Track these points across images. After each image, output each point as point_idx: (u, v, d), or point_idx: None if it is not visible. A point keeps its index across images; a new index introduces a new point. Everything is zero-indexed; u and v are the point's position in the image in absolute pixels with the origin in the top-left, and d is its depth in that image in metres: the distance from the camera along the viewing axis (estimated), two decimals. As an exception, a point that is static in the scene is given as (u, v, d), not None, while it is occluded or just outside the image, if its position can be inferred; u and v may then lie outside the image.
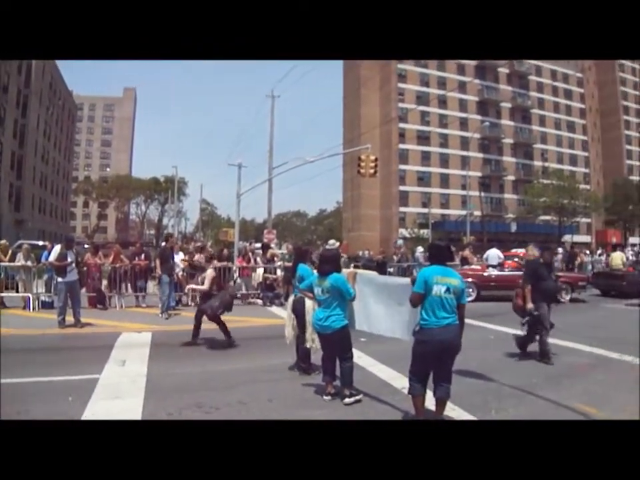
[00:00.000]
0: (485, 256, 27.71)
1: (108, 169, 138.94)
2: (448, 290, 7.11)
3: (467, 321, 8.77)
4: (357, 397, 8.45)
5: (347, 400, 8.36)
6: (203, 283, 13.00)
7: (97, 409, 7.68)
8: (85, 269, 18.68)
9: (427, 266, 7.47)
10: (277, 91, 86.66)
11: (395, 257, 30.03)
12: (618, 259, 29.69)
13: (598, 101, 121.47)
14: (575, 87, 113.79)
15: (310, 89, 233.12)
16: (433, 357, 7.17)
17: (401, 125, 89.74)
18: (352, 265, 27.85)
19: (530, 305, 11.69)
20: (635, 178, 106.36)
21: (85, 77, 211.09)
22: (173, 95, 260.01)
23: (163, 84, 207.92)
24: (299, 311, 10.00)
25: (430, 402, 7.43)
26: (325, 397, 8.60)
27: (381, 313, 8.82)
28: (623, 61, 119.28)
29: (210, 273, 13.01)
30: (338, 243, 25.09)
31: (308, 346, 9.65)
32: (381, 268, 27.75)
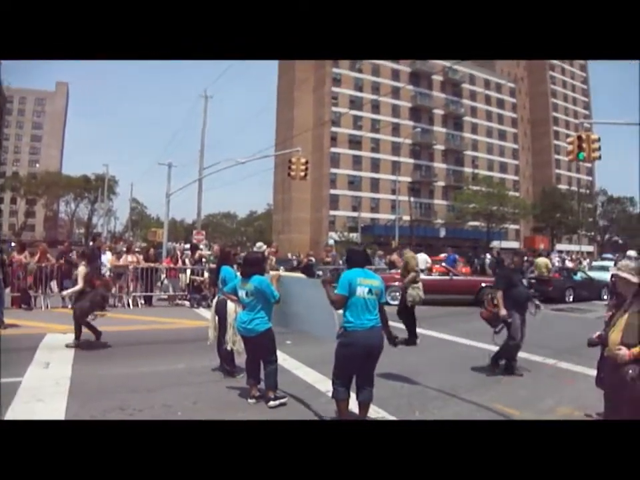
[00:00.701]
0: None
1: (37, 165, 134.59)
2: (370, 291, 7.16)
3: (394, 324, 8.71)
4: (282, 400, 8.45)
5: (271, 403, 8.34)
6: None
7: (19, 412, 7.49)
8: (10, 267, 18.11)
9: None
10: (211, 91, 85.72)
11: (325, 259, 30.09)
12: (542, 265, 30.02)
13: (529, 111, 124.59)
14: (507, 96, 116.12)
15: (244, 89, 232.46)
16: (357, 360, 7.15)
17: (334, 129, 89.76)
18: (281, 267, 27.80)
19: (503, 312, 11.00)
20: (563, 186, 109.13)
21: (15, 69, 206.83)
22: (105, 91, 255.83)
23: (96, 80, 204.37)
24: (221, 313, 9.98)
25: (354, 405, 7.43)
26: (249, 400, 8.56)
27: (304, 314, 8.85)
28: (555, 74, 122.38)
29: (82, 270, 12.58)
30: (265, 246, 24.92)
31: (228, 348, 9.58)
32: (307, 270, 27.77)
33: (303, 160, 29.46)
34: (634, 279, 5.94)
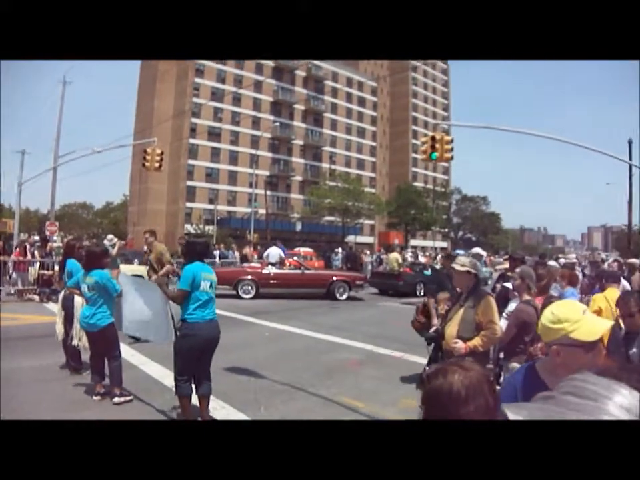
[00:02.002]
0: (265, 254, 27.93)
1: None
2: (211, 285, 7.34)
3: (243, 318, 8.21)
4: (127, 398, 8.33)
5: (116, 400, 8.21)
6: None
7: None
8: None
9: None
10: (70, 77, 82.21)
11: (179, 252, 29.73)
12: (393, 260, 30.76)
13: (389, 110, 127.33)
14: (369, 95, 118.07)
15: (105, 77, 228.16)
16: (198, 352, 7.23)
17: (193, 120, 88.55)
18: (135, 261, 26.96)
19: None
20: (419, 184, 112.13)
21: None
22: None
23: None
24: (67, 308, 9.73)
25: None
26: (94, 397, 8.38)
27: (134, 313, 8.60)
28: (416, 75, 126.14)
29: None
30: (116, 239, 24.09)
31: (74, 344, 9.27)
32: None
33: (158, 151, 28.86)
34: (470, 271, 6.24)
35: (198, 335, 7.13)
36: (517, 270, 7.75)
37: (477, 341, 5.93)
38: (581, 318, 2.88)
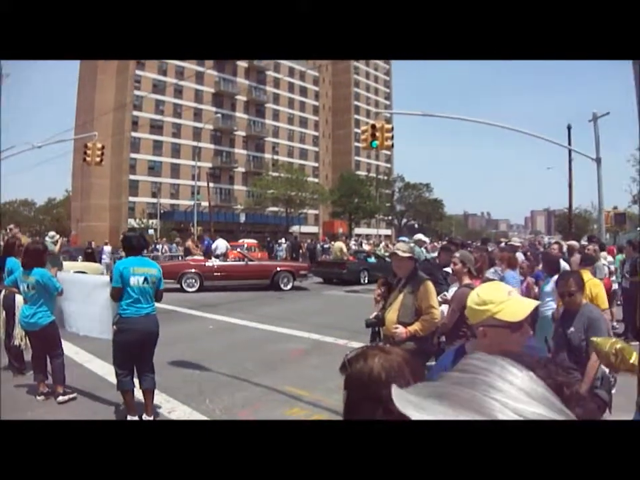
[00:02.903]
0: (213, 246, 27.74)
1: None
2: (146, 280, 7.28)
3: (188, 311, 8.31)
4: (71, 395, 8.27)
5: (60, 398, 8.12)
6: None
7: None
8: None
9: None
10: (8, 68, 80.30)
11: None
12: (337, 249, 30.97)
13: (332, 99, 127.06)
14: (311, 84, 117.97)
15: (44, 68, 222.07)
16: (135, 346, 7.20)
17: (135, 113, 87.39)
18: (79, 257, 26.76)
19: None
20: (362, 173, 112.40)
21: None
22: None
23: None
24: (9, 308, 9.55)
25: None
26: (38, 397, 8.27)
27: (80, 311, 8.59)
28: (358, 64, 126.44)
29: None
30: (58, 236, 23.77)
31: (16, 344, 9.18)
32: (89, 258, 27.14)
33: (99, 145, 28.49)
34: (407, 257, 6.29)
35: (133, 330, 7.15)
36: (456, 254, 7.73)
37: (417, 326, 6.00)
38: (506, 299, 2.94)
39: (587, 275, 8.28)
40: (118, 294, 7.22)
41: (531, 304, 3.03)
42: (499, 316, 2.87)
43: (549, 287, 8.76)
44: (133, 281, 7.18)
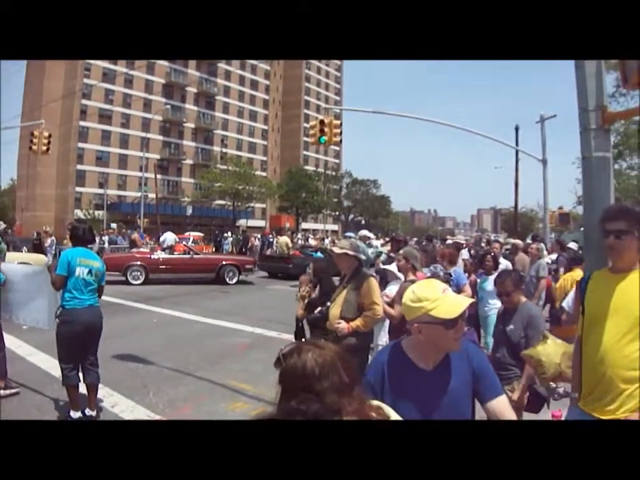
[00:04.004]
0: (161, 239, 27.86)
1: None
2: (90, 272, 7.18)
3: (132, 304, 8.42)
4: (13, 390, 8.06)
5: (1, 392, 7.87)
6: None
7: None
8: None
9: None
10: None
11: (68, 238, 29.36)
12: (283, 243, 31.52)
13: (282, 93, 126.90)
14: (262, 78, 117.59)
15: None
16: (79, 338, 7.08)
17: (84, 101, 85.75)
18: (24, 248, 26.44)
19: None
20: (310, 168, 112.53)
21: None
22: None
23: None
24: None
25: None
26: None
27: (26, 303, 8.33)
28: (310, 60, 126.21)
29: None
30: (4, 225, 23.43)
31: None
32: (37, 248, 26.73)
33: (46, 133, 27.85)
34: (351, 254, 6.35)
35: (76, 322, 7.00)
36: (400, 251, 7.84)
37: (359, 322, 6.07)
38: (440, 297, 2.96)
39: (578, 273, 8.61)
40: (61, 282, 7.07)
41: (465, 301, 3.06)
42: (433, 313, 2.91)
43: (489, 285, 8.92)
44: (79, 271, 7.05)
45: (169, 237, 26.80)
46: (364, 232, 18.78)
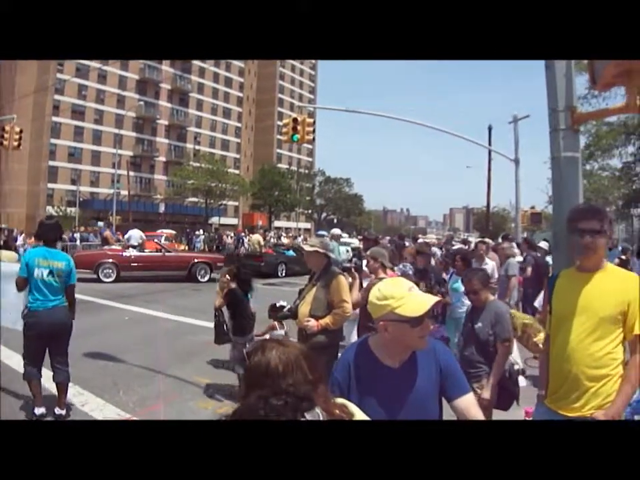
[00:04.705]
0: (126, 236, 27.63)
1: None
2: (51, 273, 7.07)
3: (104, 302, 8.47)
4: None
5: None
6: None
7: None
8: None
9: None
10: None
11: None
12: (255, 241, 31.88)
13: (256, 91, 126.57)
14: (236, 75, 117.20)
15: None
16: (43, 339, 7.07)
17: (57, 97, 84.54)
18: None
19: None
20: (283, 166, 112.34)
21: None
22: None
23: None
24: None
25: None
26: None
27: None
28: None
29: None
30: None
31: None
32: (6, 245, 26.65)
33: (17, 129, 27.49)
34: (321, 252, 6.40)
35: (39, 323, 6.99)
36: (368, 251, 7.92)
37: (328, 319, 6.07)
38: (406, 295, 2.94)
39: None
40: (21, 283, 7.10)
41: (431, 300, 3.03)
42: (398, 311, 2.90)
43: (459, 284, 8.77)
44: (37, 273, 6.98)
45: (134, 234, 26.44)
46: (336, 230, 18.87)
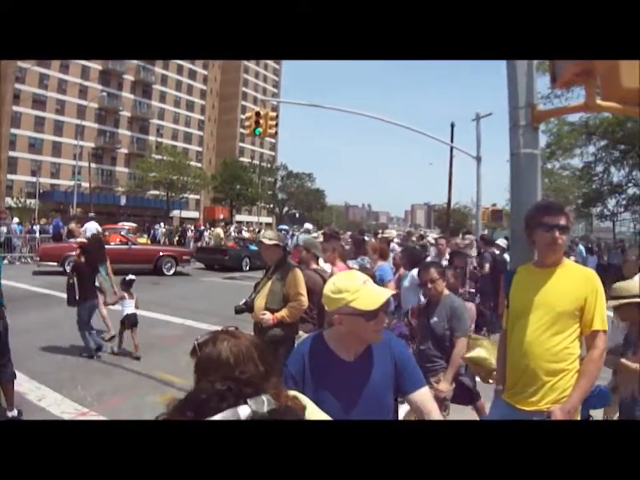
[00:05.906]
0: (83, 228, 27.42)
1: None
2: None
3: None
4: None
5: None
6: None
7: None
8: None
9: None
10: None
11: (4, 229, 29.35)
12: (216, 235, 32.17)
13: (220, 84, 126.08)
14: (200, 68, 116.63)
15: None
16: None
17: (17, 86, 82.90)
18: None
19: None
20: (245, 160, 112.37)
21: None
22: None
23: None
24: None
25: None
26: None
27: None
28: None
29: None
30: None
31: None
32: None
33: None
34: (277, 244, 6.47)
35: None
36: (301, 243, 8.08)
37: (284, 312, 6.13)
38: (361, 288, 2.94)
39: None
40: None
41: (386, 293, 3.06)
42: (353, 304, 2.89)
43: (407, 281, 8.64)
44: None
45: (89, 227, 26.32)
46: (308, 225, 19.07)
